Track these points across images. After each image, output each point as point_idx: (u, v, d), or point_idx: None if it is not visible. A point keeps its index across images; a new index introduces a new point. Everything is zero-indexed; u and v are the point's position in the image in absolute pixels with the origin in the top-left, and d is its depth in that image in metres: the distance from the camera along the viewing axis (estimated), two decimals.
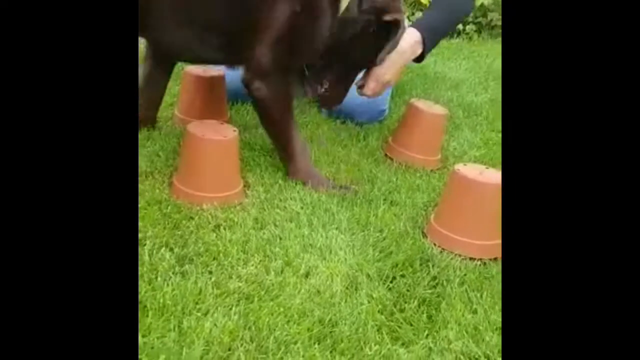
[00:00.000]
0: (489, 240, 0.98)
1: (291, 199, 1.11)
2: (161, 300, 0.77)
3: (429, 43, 1.32)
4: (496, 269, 0.96)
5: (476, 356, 0.76)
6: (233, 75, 1.48)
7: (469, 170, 1.01)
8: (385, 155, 1.36)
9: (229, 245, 0.93)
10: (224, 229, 0.98)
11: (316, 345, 0.74)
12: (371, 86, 1.29)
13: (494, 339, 0.78)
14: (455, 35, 2.74)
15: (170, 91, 1.43)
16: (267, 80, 1.10)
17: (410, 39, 1.28)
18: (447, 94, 1.86)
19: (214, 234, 0.96)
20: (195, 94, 1.37)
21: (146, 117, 1.29)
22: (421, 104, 1.36)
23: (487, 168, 1.04)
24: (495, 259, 0.99)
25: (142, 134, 1.27)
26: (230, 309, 0.79)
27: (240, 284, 0.84)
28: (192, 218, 0.99)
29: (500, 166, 1.18)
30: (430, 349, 0.76)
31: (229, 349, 0.72)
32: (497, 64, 2.35)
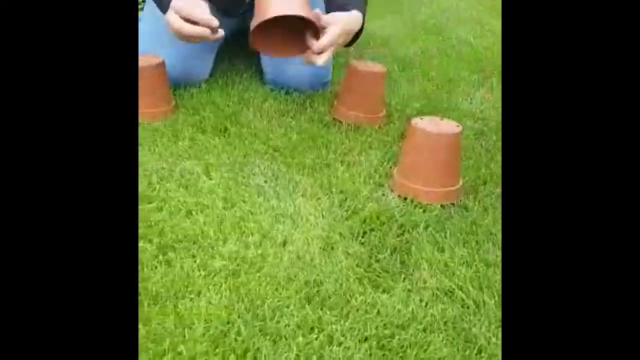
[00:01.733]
0: (448, 187, 1.07)
1: (253, 174, 1.15)
2: (153, 289, 0.81)
3: (365, 14, 1.37)
4: (454, 210, 1.05)
5: (450, 289, 0.85)
6: (175, 63, 1.48)
7: (426, 123, 1.08)
8: (334, 119, 1.42)
9: (205, 228, 0.96)
10: (196, 213, 1.01)
11: (307, 305, 0.80)
12: (324, 57, 1.24)
13: (463, 271, 0.87)
14: None
15: None
16: None
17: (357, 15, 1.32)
18: (380, 50, 1.92)
19: (188, 220, 0.99)
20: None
21: None
22: (360, 64, 1.41)
23: (441, 119, 1.12)
24: (452, 203, 1.08)
25: None
26: (220, 286, 0.83)
27: (224, 262, 0.88)
28: (160, 209, 1.01)
29: (442, 115, 1.27)
30: (409, 290, 0.84)
31: (228, 322, 0.77)
32: (420, 15, 2.43)
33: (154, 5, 1.61)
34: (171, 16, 1.28)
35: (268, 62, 1.58)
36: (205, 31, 1.26)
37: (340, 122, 1.39)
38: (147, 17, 1.61)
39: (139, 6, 1.85)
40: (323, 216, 1.02)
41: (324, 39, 1.21)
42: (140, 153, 1.20)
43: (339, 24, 1.25)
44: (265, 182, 1.12)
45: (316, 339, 0.74)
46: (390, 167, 1.17)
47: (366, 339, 0.75)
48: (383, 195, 1.09)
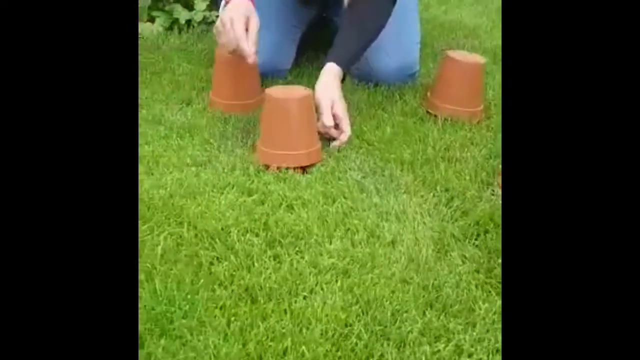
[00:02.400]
0: None
1: (350, 169, 1.11)
2: (267, 286, 0.78)
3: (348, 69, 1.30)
4: None
5: None
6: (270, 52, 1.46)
7: None
8: (427, 112, 1.36)
9: (309, 223, 0.93)
10: (298, 208, 0.98)
11: (428, 311, 0.75)
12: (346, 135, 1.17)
13: None
14: None
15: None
16: None
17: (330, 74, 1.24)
18: (468, 41, 1.84)
19: (290, 215, 0.96)
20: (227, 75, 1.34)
21: None
22: (457, 54, 1.34)
23: None
24: None
25: (185, 124, 1.26)
26: (333, 285, 0.80)
27: (333, 260, 0.85)
28: (262, 202, 0.99)
29: None
30: None
31: (346, 325, 0.73)
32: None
33: None
34: (224, 17, 1.20)
35: None
36: (245, 52, 1.17)
37: (435, 115, 1.33)
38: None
39: None
40: (430, 215, 0.97)
41: (343, 137, 1.16)
42: (234, 145, 1.18)
43: (343, 109, 1.18)
44: (364, 177, 1.08)
45: (444, 348, 0.69)
46: (497, 164, 1.10)
47: (497, 350, 0.70)
48: (492, 194, 1.02)
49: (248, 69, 1.30)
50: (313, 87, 1.49)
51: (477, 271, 0.83)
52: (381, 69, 1.47)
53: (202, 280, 0.79)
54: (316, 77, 1.55)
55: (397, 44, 1.45)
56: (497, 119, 1.32)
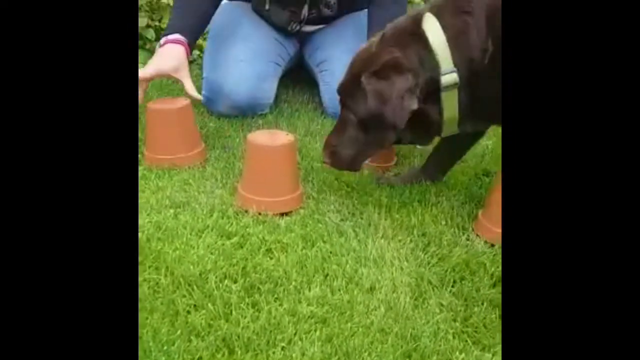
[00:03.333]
0: None
1: (329, 211, 1.12)
2: (245, 336, 0.77)
3: None
4: None
5: None
6: (239, 85, 1.48)
7: None
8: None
9: (288, 268, 0.93)
10: (277, 252, 0.98)
11: None
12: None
13: None
14: None
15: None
16: None
17: None
18: None
19: (269, 259, 0.96)
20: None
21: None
22: None
23: None
24: None
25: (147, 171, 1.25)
26: (311, 335, 0.79)
27: (312, 308, 0.85)
28: (241, 246, 0.99)
29: None
30: None
31: None
32: None
33: (216, 32, 1.62)
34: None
35: (327, 95, 1.57)
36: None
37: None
38: (210, 44, 1.62)
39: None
40: (407, 260, 0.98)
41: None
42: (213, 186, 1.18)
43: None
44: (342, 220, 1.09)
45: None
46: (474, 210, 1.13)
47: None
48: (468, 240, 1.04)
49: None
50: (293, 127, 1.51)
51: (454, 320, 0.84)
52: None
53: (178, 331, 0.77)
54: (297, 118, 1.58)
55: None
56: (472, 163, 1.35)
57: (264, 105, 1.58)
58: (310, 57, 1.71)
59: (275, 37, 1.65)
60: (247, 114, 1.55)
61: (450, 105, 1.00)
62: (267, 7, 1.60)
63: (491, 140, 1.48)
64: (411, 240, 1.03)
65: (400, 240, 1.04)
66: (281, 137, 1.12)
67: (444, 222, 1.09)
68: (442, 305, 0.87)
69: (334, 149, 1.07)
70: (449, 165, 1.26)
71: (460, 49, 0.96)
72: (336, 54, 1.56)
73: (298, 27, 1.64)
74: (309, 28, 1.68)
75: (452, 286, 0.92)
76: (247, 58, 1.55)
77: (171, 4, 1.78)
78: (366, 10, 1.52)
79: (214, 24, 1.59)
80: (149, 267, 0.91)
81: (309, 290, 0.89)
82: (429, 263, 0.97)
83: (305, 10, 1.61)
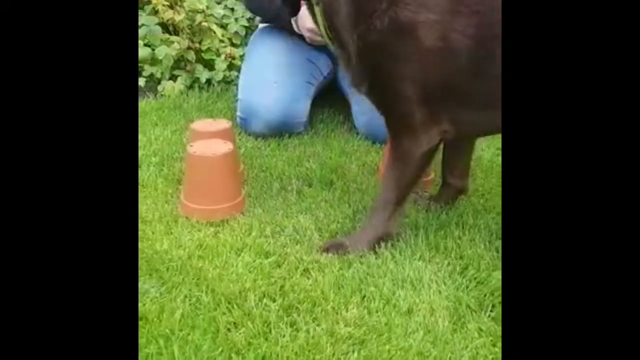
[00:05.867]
0: None
1: None
2: (284, 355, 0.78)
3: None
4: None
5: None
6: (272, 105, 1.51)
7: None
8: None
9: (325, 289, 0.94)
10: (314, 271, 0.99)
11: None
12: None
13: None
14: None
15: None
16: None
17: None
18: None
19: (307, 279, 0.97)
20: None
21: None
22: None
23: None
24: None
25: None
26: (349, 356, 0.80)
27: (349, 329, 0.85)
28: (279, 265, 1.00)
29: None
30: None
31: None
32: None
33: (251, 54, 1.66)
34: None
35: (360, 117, 1.59)
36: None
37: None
38: (245, 66, 1.66)
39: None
40: (445, 284, 0.97)
41: None
42: (251, 205, 1.21)
43: None
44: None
45: None
46: None
47: None
48: None
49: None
50: (329, 148, 1.53)
51: (493, 345, 0.83)
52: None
53: (220, 348, 0.79)
54: (333, 138, 1.60)
55: None
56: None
57: (298, 124, 1.60)
58: (343, 79, 1.73)
59: (308, 58, 1.68)
60: (282, 133, 1.58)
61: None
62: None
63: None
64: (449, 263, 1.03)
65: (437, 263, 1.03)
66: (220, 146, 1.16)
67: (482, 246, 1.08)
68: (481, 329, 0.86)
69: None
70: (465, 168, 1.24)
71: None
72: None
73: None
74: None
75: (491, 310, 0.91)
76: (280, 80, 1.58)
77: (211, 27, 1.85)
78: None
79: (249, 46, 1.63)
80: (190, 284, 0.93)
81: (347, 311, 0.89)
82: (467, 287, 0.96)
83: None
